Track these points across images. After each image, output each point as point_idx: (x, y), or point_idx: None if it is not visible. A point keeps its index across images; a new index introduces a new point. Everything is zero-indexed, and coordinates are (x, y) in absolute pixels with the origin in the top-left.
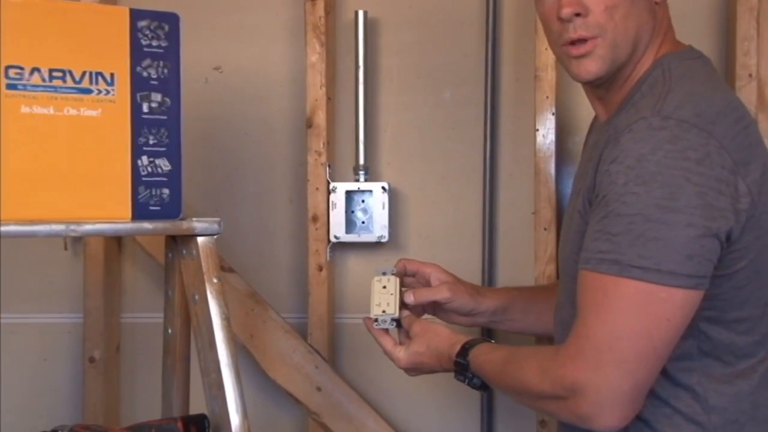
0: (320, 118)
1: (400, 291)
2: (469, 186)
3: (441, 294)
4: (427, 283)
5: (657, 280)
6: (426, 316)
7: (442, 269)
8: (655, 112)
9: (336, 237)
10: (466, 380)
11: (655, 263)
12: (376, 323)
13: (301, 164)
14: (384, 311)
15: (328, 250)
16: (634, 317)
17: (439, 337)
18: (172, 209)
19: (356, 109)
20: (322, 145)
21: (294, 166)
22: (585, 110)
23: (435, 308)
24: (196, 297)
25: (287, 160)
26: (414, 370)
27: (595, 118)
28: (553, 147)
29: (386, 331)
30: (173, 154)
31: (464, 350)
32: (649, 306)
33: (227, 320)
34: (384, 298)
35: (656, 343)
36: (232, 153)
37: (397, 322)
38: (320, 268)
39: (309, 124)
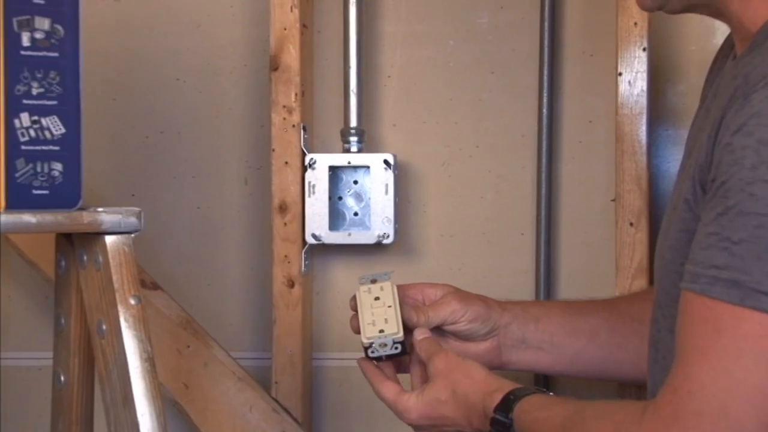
0: (291, 56)
1: (401, 303)
2: (517, 159)
3: (450, 307)
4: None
5: None
6: None
7: (431, 283)
8: None
9: (315, 236)
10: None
11: None
12: (370, 351)
13: (261, 126)
14: (382, 331)
15: (303, 256)
16: (760, 368)
17: (471, 379)
18: (67, 194)
19: (345, 43)
20: (293, 98)
21: (251, 129)
22: (695, 42)
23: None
24: (104, 327)
25: (240, 120)
26: (430, 426)
27: (724, 48)
28: (644, 100)
29: (380, 369)
30: (69, 110)
31: (507, 402)
32: None
33: (150, 362)
34: (379, 314)
35: None
36: (157, 109)
37: (402, 346)
38: (291, 284)
39: (274, 65)
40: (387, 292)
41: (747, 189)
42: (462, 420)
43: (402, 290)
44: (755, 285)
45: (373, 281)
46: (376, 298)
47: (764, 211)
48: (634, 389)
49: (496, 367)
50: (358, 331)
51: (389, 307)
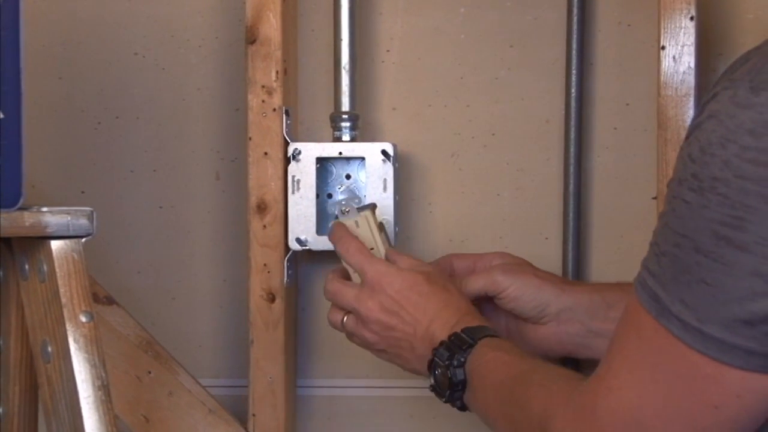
0: (271, 26)
1: (382, 234)
2: (541, 149)
3: (490, 277)
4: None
5: (700, 347)
6: None
7: (504, 254)
8: (751, 75)
9: (300, 241)
10: (449, 391)
11: (698, 320)
12: None
13: (236, 110)
14: None
15: (286, 264)
16: (671, 388)
17: (437, 296)
18: (5, 191)
19: (336, 10)
20: (274, 76)
21: (223, 114)
22: (753, 10)
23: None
24: (49, 349)
25: (211, 103)
26: (384, 324)
27: None
28: (691, 78)
29: None
30: (7, 91)
31: (464, 338)
32: (690, 381)
33: (105, 390)
34: None
35: None
36: (111, 89)
37: None
38: (271, 298)
39: (251, 37)
40: (365, 225)
41: (672, 202)
42: (405, 343)
43: (449, 262)
44: (669, 304)
45: (358, 209)
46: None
47: (681, 231)
48: None
49: (560, 356)
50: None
51: (371, 249)
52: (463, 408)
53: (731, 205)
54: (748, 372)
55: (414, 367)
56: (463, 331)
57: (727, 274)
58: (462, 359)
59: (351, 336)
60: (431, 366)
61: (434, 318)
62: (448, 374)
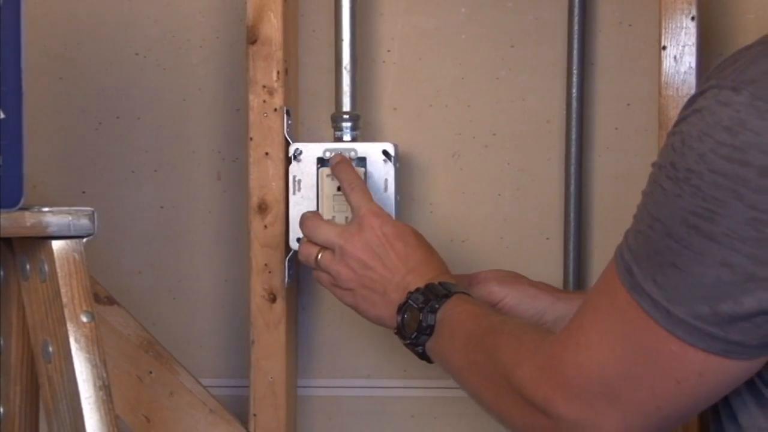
0: (272, 26)
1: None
2: (542, 149)
3: (486, 287)
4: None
5: (667, 325)
6: None
7: (498, 270)
8: (735, 74)
9: (301, 241)
10: (416, 334)
11: (667, 300)
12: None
13: (237, 110)
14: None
15: (286, 264)
16: (637, 357)
17: (421, 249)
18: (6, 191)
19: (337, 10)
20: (275, 76)
21: (224, 114)
22: (753, 10)
23: None
24: (50, 349)
25: (212, 103)
26: (363, 264)
27: None
28: (692, 78)
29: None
30: (8, 91)
31: (441, 289)
32: (656, 354)
33: (106, 390)
34: (340, 204)
35: (660, 402)
36: (112, 89)
37: None
38: (272, 298)
39: (252, 37)
40: None
41: (652, 185)
42: (379, 287)
43: (468, 279)
44: (641, 281)
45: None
46: (340, 188)
47: (655, 214)
48: None
49: None
50: None
51: None
52: (423, 355)
53: (703, 197)
54: (710, 354)
55: (378, 312)
56: (440, 283)
57: (697, 262)
58: (436, 306)
59: (320, 273)
60: (401, 309)
61: (414, 269)
62: (419, 317)
